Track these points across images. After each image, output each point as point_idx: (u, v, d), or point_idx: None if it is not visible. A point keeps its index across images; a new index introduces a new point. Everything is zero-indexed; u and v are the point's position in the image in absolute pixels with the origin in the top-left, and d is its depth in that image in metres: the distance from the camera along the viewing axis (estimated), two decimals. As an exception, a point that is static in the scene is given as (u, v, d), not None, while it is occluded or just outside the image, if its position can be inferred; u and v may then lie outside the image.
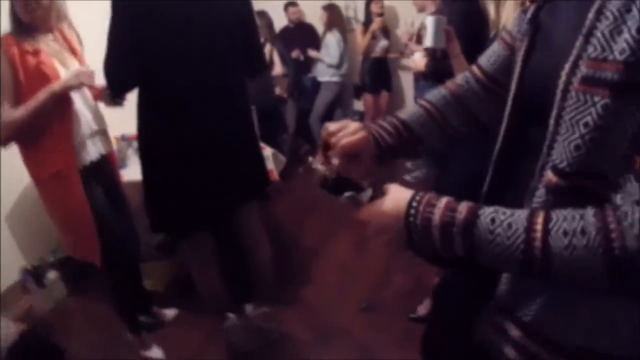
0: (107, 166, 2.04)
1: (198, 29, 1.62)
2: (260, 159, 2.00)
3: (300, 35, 4.72)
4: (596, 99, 0.55)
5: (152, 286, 2.55)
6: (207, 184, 1.76)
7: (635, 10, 0.53)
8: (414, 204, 0.68)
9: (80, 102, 1.87)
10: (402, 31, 4.39)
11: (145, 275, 2.29)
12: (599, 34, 0.56)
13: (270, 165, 2.55)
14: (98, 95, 1.96)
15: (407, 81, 4.83)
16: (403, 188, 0.73)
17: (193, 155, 1.72)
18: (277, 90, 4.30)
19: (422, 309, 2.25)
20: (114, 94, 1.82)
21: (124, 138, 2.74)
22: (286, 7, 4.69)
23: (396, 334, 2.17)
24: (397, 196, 0.72)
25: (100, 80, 1.75)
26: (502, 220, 0.60)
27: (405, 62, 4.60)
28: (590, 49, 0.57)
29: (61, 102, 1.74)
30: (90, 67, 1.86)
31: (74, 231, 1.92)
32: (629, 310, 0.62)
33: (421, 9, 3.89)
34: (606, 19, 0.56)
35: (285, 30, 4.77)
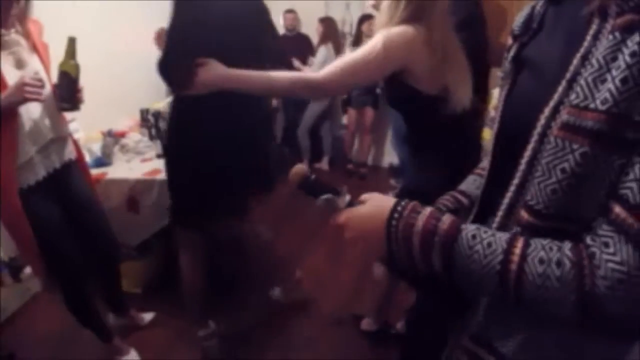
0: (67, 175, 1.87)
1: (237, 30, 1.74)
2: (271, 158, 2.15)
3: (296, 45, 4.75)
4: (575, 146, 0.55)
5: (130, 287, 2.53)
6: (229, 178, 1.86)
7: (621, 60, 0.52)
8: (399, 208, 0.67)
9: (38, 108, 1.69)
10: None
11: (123, 276, 2.26)
12: (582, 81, 0.56)
13: (255, 173, 2.56)
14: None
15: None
16: (385, 196, 0.73)
17: (222, 150, 1.81)
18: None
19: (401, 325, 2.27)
20: (174, 89, 1.79)
21: (110, 134, 2.72)
22: (284, 13, 4.74)
23: (364, 349, 2.20)
24: (379, 201, 0.71)
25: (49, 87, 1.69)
26: (483, 239, 0.61)
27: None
28: (572, 96, 0.57)
29: (5, 116, 1.56)
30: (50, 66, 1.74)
31: (18, 245, 1.81)
32: (597, 346, 0.63)
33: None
34: (591, 66, 0.55)
35: (282, 38, 4.78)
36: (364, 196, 0.75)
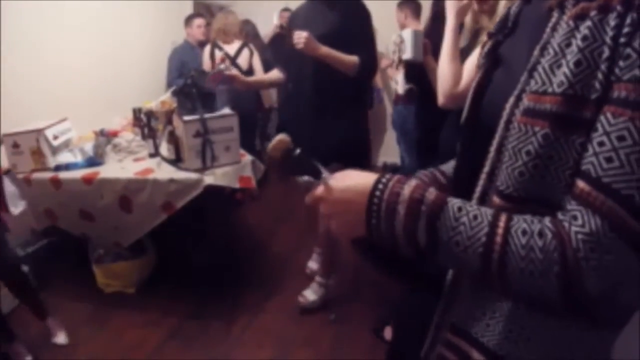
0: None
1: None
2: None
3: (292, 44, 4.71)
4: (536, 129, 0.58)
5: (123, 287, 2.53)
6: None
7: (574, 44, 0.56)
8: (383, 180, 0.66)
9: None
10: (380, 49, 4.49)
11: (115, 276, 2.26)
12: (540, 69, 0.59)
13: (248, 172, 2.56)
14: None
15: (388, 99, 4.92)
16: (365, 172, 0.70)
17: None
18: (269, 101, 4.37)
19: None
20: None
21: (102, 133, 2.72)
22: (280, 12, 4.72)
23: (362, 348, 2.19)
24: (361, 174, 0.68)
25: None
26: (469, 211, 0.60)
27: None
28: (532, 83, 0.60)
29: None
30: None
31: None
32: (580, 338, 0.64)
33: (402, 27, 3.99)
34: (548, 54, 0.59)
35: (277, 37, 4.75)
36: (339, 174, 0.70)
